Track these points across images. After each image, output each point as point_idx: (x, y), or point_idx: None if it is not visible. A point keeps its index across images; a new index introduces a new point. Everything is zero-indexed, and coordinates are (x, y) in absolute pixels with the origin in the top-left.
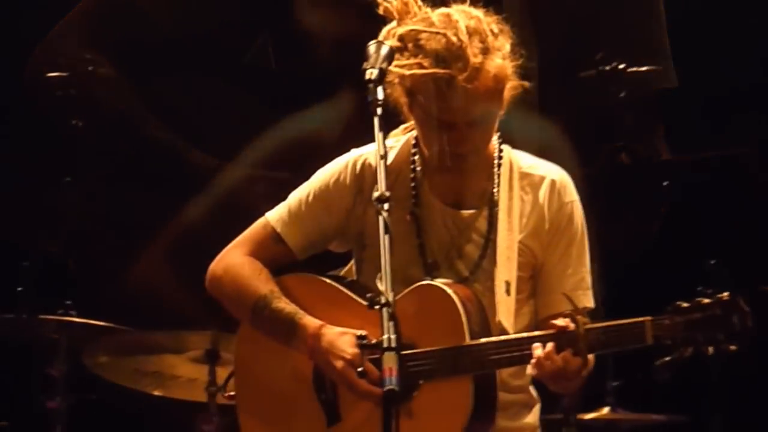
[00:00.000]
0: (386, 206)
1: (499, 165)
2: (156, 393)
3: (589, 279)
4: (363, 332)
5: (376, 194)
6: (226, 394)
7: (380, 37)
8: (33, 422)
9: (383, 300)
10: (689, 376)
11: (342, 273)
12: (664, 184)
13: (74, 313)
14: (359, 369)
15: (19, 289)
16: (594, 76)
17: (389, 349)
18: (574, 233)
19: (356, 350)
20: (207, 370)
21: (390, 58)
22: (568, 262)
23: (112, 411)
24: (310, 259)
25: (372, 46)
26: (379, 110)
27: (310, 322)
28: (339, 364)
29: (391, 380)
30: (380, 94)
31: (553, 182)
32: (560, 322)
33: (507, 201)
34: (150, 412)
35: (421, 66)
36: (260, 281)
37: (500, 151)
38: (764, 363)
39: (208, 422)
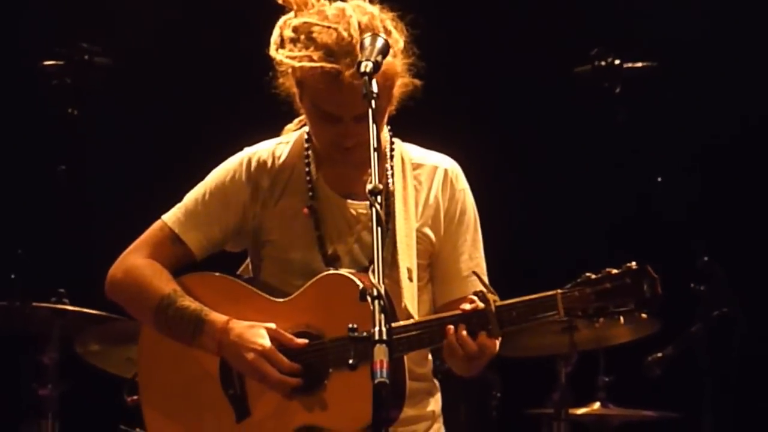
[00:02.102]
0: (378, 199)
1: (392, 157)
2: None
3: (483, 264)
4: (353, 325)
5: (369, 187)
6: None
7: (276, 27)
8: (25, 409)
9: (375, 292)
10: (680, 373)
11: (238, 272)
12: (658, 179)
13: (67, 301)
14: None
15: (12, 276)
16: (589, 72)
17: (380, 341)
18: (467, 220)
19: (266, 342)
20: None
21: (385, 51)
22: (463, 249)
23: (104, 399)
24: (207, 262)
25: (367, 39)
26: (373, 103)
27: (217, 317)
28: (250, 356)
29: (382, 372)
30: (375, 86)
31: (445, 171)
32: (468, 305)
33: (402, 191)
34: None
35: (310, 59)
36: (162, 281)
37: (392, 143)
38: (756, 358)
39: None
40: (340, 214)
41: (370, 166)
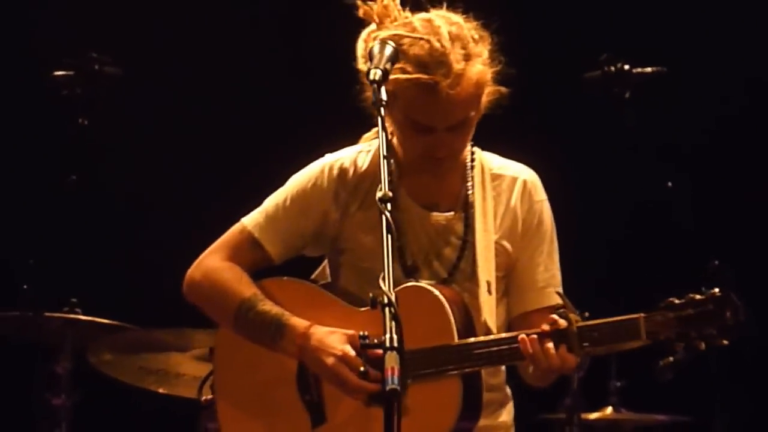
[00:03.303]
0: (389, 206)
1: (472, 167)
2: (161, 390)
3: (559, 276)
4: (364, 332)
5: (379, 194)
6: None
7: (360, 40)
8: (38, 419)
9: (386, 300)
10: (692, 377)
11: (313, 276)
12: (669, 184)
13: (79, 311)
14: (361, 368)
15: (25, 286)
16: (598, 77)
17: (392, 348)
18: (545, 232)
19: (347, 347)
20: (211, 368)
21: (394, 58)
22: (539, 260)
23: (117, 408)
24: (283, 265)
25: (376, 47)
26: (382, 110)
27: (298, 322)
28: (330, 360)
29: (393, 380)
30: (384, 94)
31: (524, 182)
32: (547, 325)
33: (481, 202)
34: (155, 409)
35: (404, 71)
36: (242, 285)
37: (472, 153)
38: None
39: (212, 420)
40: (420, 225)
41: (450, 174)
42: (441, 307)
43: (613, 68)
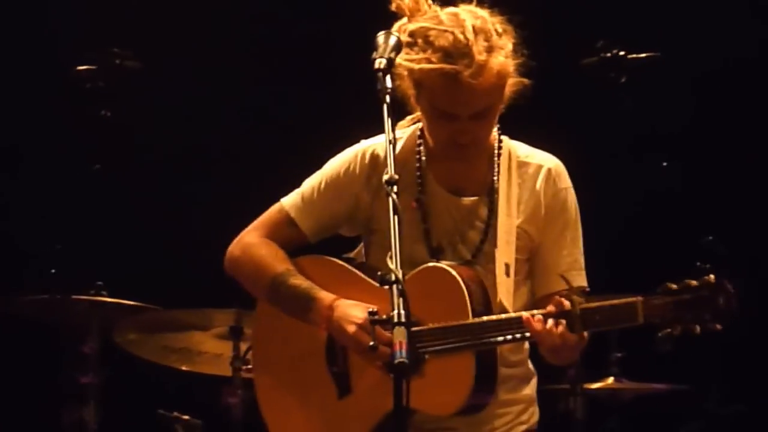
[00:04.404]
0: (395, 189)
1: (499, 155)
2: (183, 368)
3: (582, 260)
4: (373, 307)
5: (385, 177)
6: (245, 368)
7: (392, 31)
8: (67, 397)
9: (393, 278)
10: (690, 348)
11: (352, 255)
12: (663, 164)
13: (105, 294)
14: (371, 343)
15: (53, 271)
16: (595, 63)
17: (399, 323)
18: (568, 218)
19: (366, 316)
20: (231, 345)
21: (398, 48)
22: (563, 245)
23: (142, 386)
24: (324, 243)
25: (381, 37)
26: (387, 98)
27: (325, 295)
28: (351, 328)
29: (401, 353)
30: (389, 82)
31: (549, 170)
32: (553, 306)
33: (506, 188)
34: (178, 386)
35: (429, 61)
36: (277, 261)
37: (500, 141)
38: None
39: (232, 395)
40: (445, 208)
41: (476, 160)
42: (458, 286)
43: (609, 54)
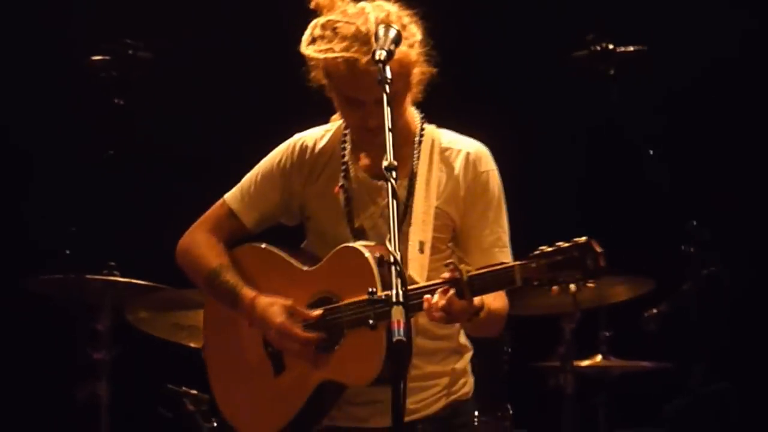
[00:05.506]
0: (394, 174)
1: (420, 141)
2: (192, 345)
3: (505, 238)
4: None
5: (384, 163)
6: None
7: (308, 29)
8: (80, 372)
9: (392, 259)
10: (674, 327)
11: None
12: (650, 152)
13: (117, 273)
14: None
15: (67, 251)
16: (585, 56)
17: (397, 303)
18: (490, 199)
19: (283, 318)
20: None
21: (397, 40)
22: (485, 224)
23: (153, 361)
24: (274, 234)
25: (381, 29)
26: (387, 87)
27: (246, 294)
28: (271, 333)
29: (399, 332)
30: (388, 73)
31: (467, 154)
32: (447, 273)
33: (426, 173)
34: (187, 362)
35: (333, 50)
36: (212, 255)
37: (422, 129)
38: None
39: None
40: (367, 193)
41: (398, 147)
42: (367, 263)
43: (598, 47)
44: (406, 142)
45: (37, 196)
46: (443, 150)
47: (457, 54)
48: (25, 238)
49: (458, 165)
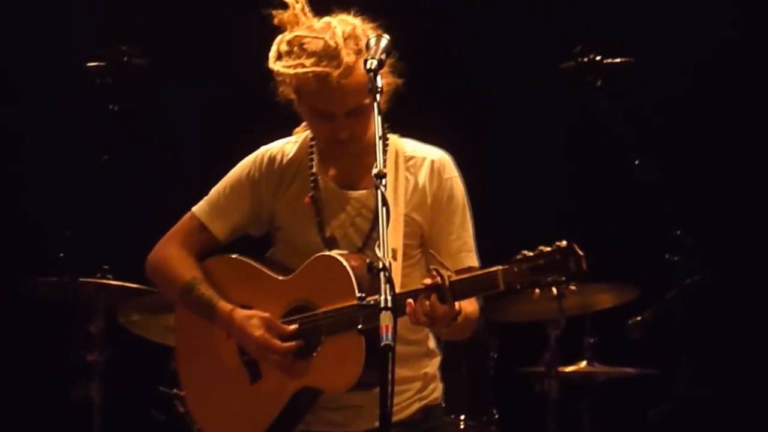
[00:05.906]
0: (383, 182)
1: (385, 151)
2: None
3: (471, 243)
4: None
5: (374, 171)
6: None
7: (274, 44)
8: (74, 373)
9: (380, 265)
10: (658, 334)
11: (268, 254)
12: (636, 162)
13: (110, 277)
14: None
15: (61, 255)
16: (573, 67)
17: (386, 308)
18: (456, 205)
19: (262, 331)
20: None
21: (389, 50)
22: (451, 230)
23: (145, 363)
24: (242, 245)
25: (372, 39)
26: (378, 96)
27: (223, 307)
28: (251, 346)
29: (388, 336)
30: (379, 82)
31: (432, 162)
32: (429, 279)
33: (393, 182)
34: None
35: (303, 66)
36: (185, 269)
37: (386, 139)
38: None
39: None
40: (337, 202)
41: (365, 157)
42: (344, 271)
43: (586, 59)
44: (372, 152)
45: (33, 200)
46: (407, 159)
47: (446, 66)
48: (21, 241)
49: (423, 173)
